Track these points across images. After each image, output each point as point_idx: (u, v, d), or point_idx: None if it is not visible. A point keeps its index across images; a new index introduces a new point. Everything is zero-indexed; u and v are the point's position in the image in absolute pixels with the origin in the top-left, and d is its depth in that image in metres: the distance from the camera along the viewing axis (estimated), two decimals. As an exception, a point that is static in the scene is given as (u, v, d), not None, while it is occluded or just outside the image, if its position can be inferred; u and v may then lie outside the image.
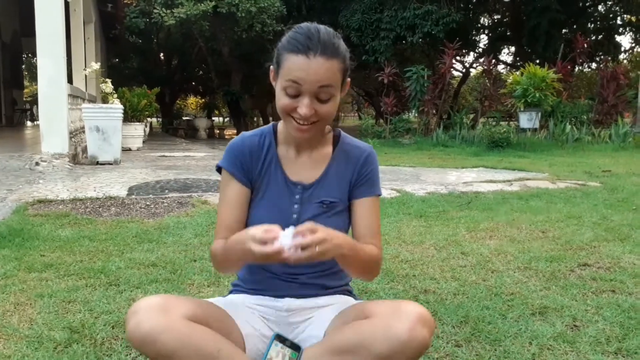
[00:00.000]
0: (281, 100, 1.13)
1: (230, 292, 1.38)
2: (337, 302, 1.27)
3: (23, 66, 20.41)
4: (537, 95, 9.96)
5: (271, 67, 1.19)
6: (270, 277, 1.27)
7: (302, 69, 1.08)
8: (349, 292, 1.36)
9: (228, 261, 1.17)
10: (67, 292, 2.05)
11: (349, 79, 1.19)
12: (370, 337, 1.02)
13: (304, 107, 1.10)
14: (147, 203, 3.77)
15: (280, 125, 1.27)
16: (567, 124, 10.22)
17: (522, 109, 10.31)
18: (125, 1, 14.94)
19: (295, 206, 1.23)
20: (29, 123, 17.47)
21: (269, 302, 1.27)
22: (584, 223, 3.35)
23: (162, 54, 22.10)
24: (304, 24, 1.14)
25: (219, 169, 1.28)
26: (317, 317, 1.25)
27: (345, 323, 1.14)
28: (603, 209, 3.81)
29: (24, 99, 18.96)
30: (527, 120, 10.28)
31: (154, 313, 1.03)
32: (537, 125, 10.27)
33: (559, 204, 4.01)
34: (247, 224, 1.24)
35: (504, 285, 2.21)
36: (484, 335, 1.73)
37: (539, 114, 10.31)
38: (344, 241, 1.07)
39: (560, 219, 3.48)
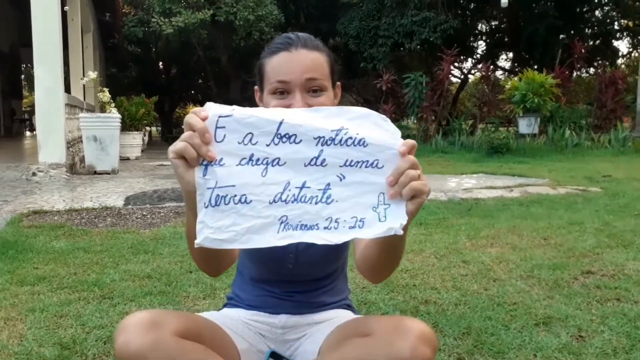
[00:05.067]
0: (271, 104, 1.05)
1: (225, 306, 1.33)
2: (335, 317, 1.23)
3: (22, 76, 20.41)
4: (536, 100, 9.94)
5: (255, 87, 1.14)
6: (264, 295, 1.23)
7: (285, 64, 1.04)
8: (347, 306, 1.32)
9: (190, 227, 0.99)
10: (59, 306, 2.01)
11: (339, 82, 1.15)
12: (371, 357, 0.98)
13: (295, 102, 1.02)
14: (144, 213, 3.73)
15: None
16: (567, 129, 10.19)
17: (521, 115, 10.29)
18: (123, 10, 14.99)
19: None
20: (28, 133, 17.45)
21: (264, 318, 1.23)
22: (586, 229, 3.31)
23: (161, 63, 22.12)
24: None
25: None
26: (313, 331, 1.21)
27: (343, 338, 1.09)
28: (605, 214, 3.77)
29: (23, 109, 18.94)
30: (526, 125, 10.25)
31: (143, 330, 0.98)
32: (536, 131, 10.24)
33: (560, 210, 3.97)
34: (245, 252, 1.22)
35: (507, 295, 2.16)
36: (487, 348, 1.68)
37: (538, 120, 10.29)
38: None
39: (562, 225, 3.43)
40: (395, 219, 0.82)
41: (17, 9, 13.72)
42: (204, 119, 0.82)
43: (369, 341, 1.00)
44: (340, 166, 0.80)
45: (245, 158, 0.79)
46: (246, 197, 0.78)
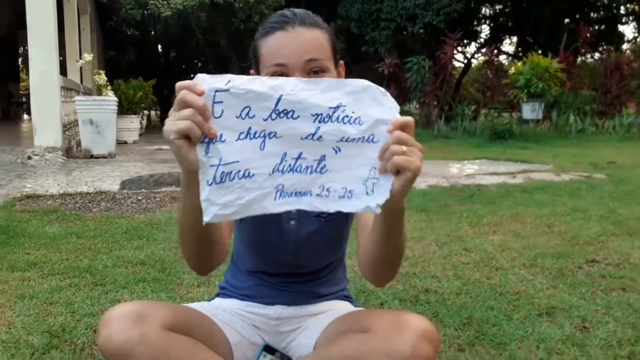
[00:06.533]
0: None
1: (217, 295, 1.27)
2: (332, 309, 1.17)
3: (20, 59, 20.20)
4: (540, 85, 9.82)
5: (251, 70, 1.06)
6: (260, 284, 1.17)
7: (282, 45, 0.97)
8: (345, 297, 1.26)
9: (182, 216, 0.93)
10: (50, 293, 1.96)
11: (342, 62, 1.07)
12: (369, 354, 0.92)
13: None
14: (139, 198, 3.67)
15: None
16: (571, 114, 10.08)
17: (525, 100, 10.17)
18: (121, -8, 14.72)
19: (292, 222, 1.11)
20: (25, 116, 17.32)
21: (258, 310, 1.17)
22: (590, 217, 3.25)
23: (159, 47, 21.90)
24: None
25: None
26: (309, 324, 1.16)
27: (339, 332, 1.03)
28: (610, 201, 3.70)
29: (20, 92, 18.79)
30: (530, 111, 10.14)
31: (128, 323, 0.92)
32: (540, 116, 10.14)
33: (564, 196, 3.90)
34: (241, 240, 1.17)
35: (509, 284, 2.11)
36: (489, 339, 1.64)
37: (542, 105, 10.18)
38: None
39: (566, 212, 3.37)
40: (380, 195, 0.80)
41: (14, -10, 13.52)
42: (200, 94, 0.78)
43: (368, 337, 0.95)
44: (336, 141, 0.80)
45: (243, 132, 0.78)
46: (249, 172, 0.78)
